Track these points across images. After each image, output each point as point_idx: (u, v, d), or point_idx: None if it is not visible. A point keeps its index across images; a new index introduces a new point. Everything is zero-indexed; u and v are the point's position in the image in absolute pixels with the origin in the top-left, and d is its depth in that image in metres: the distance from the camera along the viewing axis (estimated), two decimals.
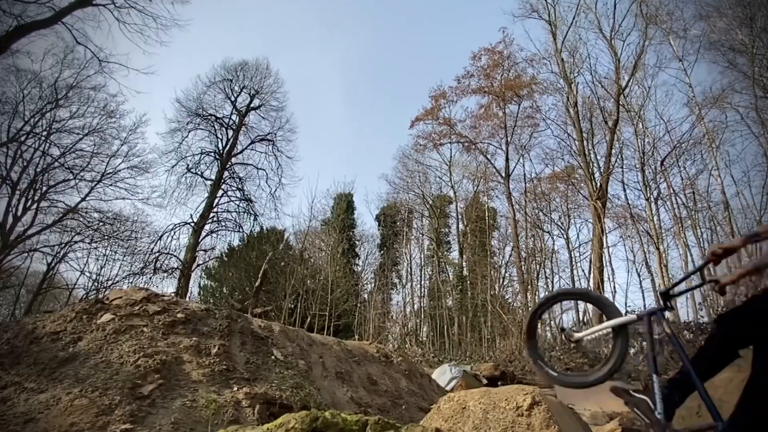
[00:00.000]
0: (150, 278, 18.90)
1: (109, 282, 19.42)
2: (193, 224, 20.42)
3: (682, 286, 2.35)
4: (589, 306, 17.60)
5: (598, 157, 19.10)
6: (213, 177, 22.05)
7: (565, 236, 21.73)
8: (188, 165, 21.74)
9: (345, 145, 50.15)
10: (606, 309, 2.42)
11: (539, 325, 2.54)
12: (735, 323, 2.09)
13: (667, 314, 2.21)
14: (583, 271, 20.26)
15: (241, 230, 22.35)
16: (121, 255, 20.48)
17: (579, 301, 2.57)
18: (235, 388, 3.15)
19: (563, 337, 2.54)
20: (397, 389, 4.74)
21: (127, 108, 25.24)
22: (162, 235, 20.01)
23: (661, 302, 2.25)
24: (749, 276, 2.38)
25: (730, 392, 2.89)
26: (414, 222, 29.65)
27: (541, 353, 2.53)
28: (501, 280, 24.72)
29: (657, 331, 2.22)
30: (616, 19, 19.03)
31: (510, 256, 24.62)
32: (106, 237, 19.50)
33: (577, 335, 2.51)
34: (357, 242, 29.40)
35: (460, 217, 27.76)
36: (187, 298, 17.04)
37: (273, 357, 3.85)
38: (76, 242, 18.88)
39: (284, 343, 4.15)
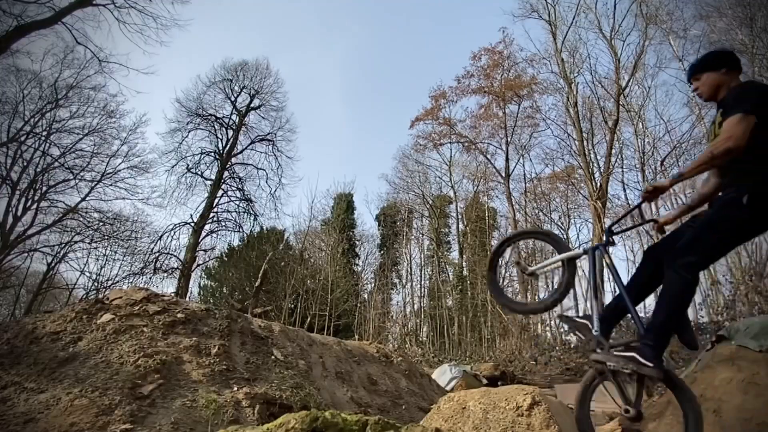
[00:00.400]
0: (150, 278, 18.92)
1: (109, 282, 19.43)
2: (193, 224, 20.42)
3: (627, 223, 2.79)
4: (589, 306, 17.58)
5: (598, 157, 19.12)
6: (213, 177, 22.06)
7: (565, 236, 21.73)
8: (188, 165, 21.76)
9: (345, 145, 50.19)
10: (561, 247, 2.75)
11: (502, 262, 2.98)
12: (657, 254, 2.45)
13: (610, 249, 2.60)
14: (583, 271, 20.24)
15: (241, 230, 22.37)
16: (121, 255, 20.50)
17: (537, 240, 2.95)
18: (235, 388, 3.15)
19: (518, 270, 3.00)
20: (397, 389, 4.74)
21: (127, 108, 25.32)
22: (162, 235, 20.03)
23: (604, 238, 2.62)
24: (683, 215, 2.71)
25: (729, 392, 2.89)
26: (414, 222, 29.66)
27: (499, 286, 2.92)
28: (501, 280, 24.72)
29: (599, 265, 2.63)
30: (616, 19, 19.05)
31: (510, 256, 24.63)
32: (106, 237, 19.51)
33: (531, 269, 2.83)
34: (357, 242, 29.41)
35: (460, 217, 27.78)
36: (187, 298, 17.04)
37: (273, 357, 3.85)
38: (76, 242, 18.89)
39: (284, 343, 4.15)
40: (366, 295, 26.66)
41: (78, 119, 18.99)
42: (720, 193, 2.38)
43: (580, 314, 2.59)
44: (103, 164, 19.38)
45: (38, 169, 18.01)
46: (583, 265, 2.65)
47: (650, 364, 2.01)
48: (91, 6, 14.97)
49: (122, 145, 19.98)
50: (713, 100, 2.41)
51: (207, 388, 3.01)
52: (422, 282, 27.32)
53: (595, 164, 18.96)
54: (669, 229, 2.69)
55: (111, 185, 19.35)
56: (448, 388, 8.31)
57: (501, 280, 2.57)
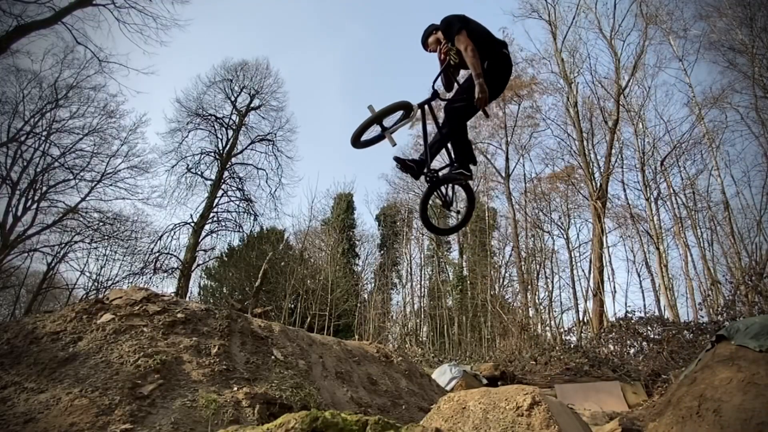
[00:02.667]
0: (150, 278, 18.90)
1: (109, 282, 19.41)
2: (193, 224, 20.40)
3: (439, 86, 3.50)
4: (589, 306, 17.63)
5: (598, 157, 19.13)
6: (213, 177, 22.03)
7: (565, 236, 21.73)
8: (188, 165, 21.73)
9: (345, 145, 50.14)
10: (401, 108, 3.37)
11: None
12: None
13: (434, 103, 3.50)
14: (583, 271, 20.23)
15: (241, 230, 22.32)
16: (121, 255, 20.48)
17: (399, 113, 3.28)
18: (235, 388, 3.15)
19: (388, 140, 3.45)
20: (397, 389, 4.73)
21: (127, 108, 25.34)
22: (162, 235, 19.99)
23: (430, 95, 3.43)
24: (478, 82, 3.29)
25: (729, 392, 2.89)
26: (414, 222, 29.65)
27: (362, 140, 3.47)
28: (501, 280, 24.73)
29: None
30: (616, 19, 19.07)
31: (510, 256, 24.64)
32: (106, 237, 19.49)
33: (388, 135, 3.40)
34: (357, 242, 29.40)
35: None
36: (187, 298, 17.03)
37: (273, 357, 3.85)
38: (76, 242, 18.87)
39: (284, 343, 4.14)
40: (366, 295, 26.66)
41: (78, 119, 18.99)
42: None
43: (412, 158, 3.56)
44: (103, 164, 19.38)
45: (38, 169, 18.01)
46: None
47: (468, 173, 3.42)
48: (91, 6, 14.97)
49: (122, 145, 19.97)
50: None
51: (207, 388, 3.01)
52: (422, 282, 27.33)
53: (595, 164, 18.97)
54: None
55: (111, 185, 19.34)
56: (448, 388, 8.31)
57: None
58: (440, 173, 3.47)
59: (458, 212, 3.78)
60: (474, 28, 3.28)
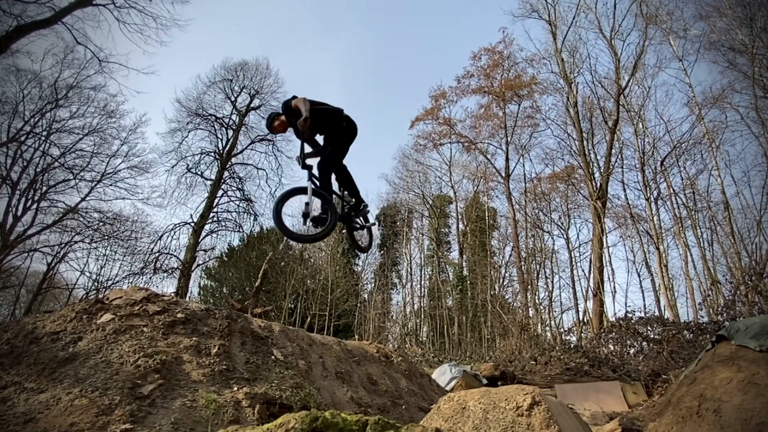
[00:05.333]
0: (150, 278, 18.89)
1: (109, 282, 19.42)
2: (193, 224, 20.39)
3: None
4: (589, 306, 17.63)
5: (598, 157, 19.13)
6: (213, 177, 22.03)
7: (565, 236, 21.73)
8: (188, 165, 21.73)
9: None
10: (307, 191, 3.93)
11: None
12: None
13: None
14: (583, 271, 20.24)
15: (241, 230, 22.32)
16: (121, 255, 20.49)
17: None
18: (235, 388, 3.15)
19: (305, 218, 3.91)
20: (397, 389, 4.73)
21: (127, 108, 25.37)
22: (162, 235, 19.99)
23: (307, 171, 4.07)
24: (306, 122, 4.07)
25: (729, 392, 2.89)
26: (414, 222, 29.67)
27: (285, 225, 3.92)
28: (501, 280, 24.73)
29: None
30: (616, 19, 19.06)
31: (510, 256, 24.64)
32: (106, 237, 19.49)
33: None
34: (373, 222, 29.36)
35: (460, 217, 27.77)
36: (187, 298, 17.03)
37: (273, 357, 3.84)
38: (76, 242, 18.87)
39: (284, 343, 4.14)
40: (366, 295, 26.65)
41: (78, 119, 19.00)
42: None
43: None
44: (103, 164, 19.39)
45: (38, 169, 18.00)
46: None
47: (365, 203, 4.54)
48: (91, 6, 14.96)
49: (122, 145, 19.98)
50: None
51: (207, 388, 3.01)
52: (422, 282, 27.32)
53: (595, 164, 18.97)
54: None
55: (111, 185, 19.35)
56: (448, 388, 8.30)
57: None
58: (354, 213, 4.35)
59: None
60: (312, 102, 4.13)
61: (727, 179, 16.07)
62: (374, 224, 4.74)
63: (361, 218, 4.52)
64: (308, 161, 4.22)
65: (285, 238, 26.18)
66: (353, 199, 4.45)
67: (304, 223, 3.96)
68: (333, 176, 4.34)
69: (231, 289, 22.78)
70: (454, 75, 29.15)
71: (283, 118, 4.18)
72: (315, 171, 4.15)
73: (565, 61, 20.21)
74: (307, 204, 3.83)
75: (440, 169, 28.14)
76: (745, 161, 26.02)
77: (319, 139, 4.45)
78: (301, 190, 3.96)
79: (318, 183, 4.12)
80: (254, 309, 8.21)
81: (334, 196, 4.29)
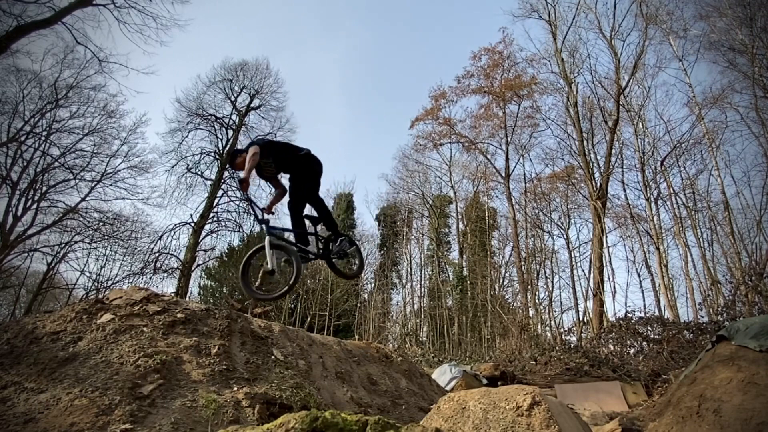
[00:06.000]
0: (150, 278, 18.87)
1: (109, 282, 19.41)
2: (193, 224, 20.38)
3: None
4: (589, 306, 17.63)
5: (598, 157, 19.12)
6: (213, 177, 22.02)
7: (565, 236, 21.73)
8: (188, 165, 21.72)
9: (345, 145, 50.24)
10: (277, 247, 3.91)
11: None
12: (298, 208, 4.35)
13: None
14: (583, 271, 20.24)
15: (241, 230, 22.30)
16: (121, 255, 20.47)
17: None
18: (235, 388, 3.15)
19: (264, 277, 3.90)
20: (397, 389, 4.73)
21: (127, 108, 25.37)
22: (162, 235, 19.97)
23: (264, 226, 4.02)
24: (277, 201, 4.53)
25: (729, 392, 2.89)
26: (414, 222, 29.67)
27: (250, 281, 3.91)
28: (501, 280, 24.73)
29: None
30: (616, 19, 19.06)
31: (510, 256, 24.64)
32: (106, 237, 19.47)
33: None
34: (357, 242, 29.38)
35: (460, 217, 27.77)
36: (187, 298, 17.02)
37: (273, 357, 3.85)
38: (76, 242, 18.86)
39: (284, 343, 4.14)
40: (366, 295, 26.65)
41: (78, 119, 18.98)
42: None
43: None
44: (103, 164, 19.37)
45: (38, 169, 17.99)
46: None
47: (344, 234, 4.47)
48: (91, 6, 14.96)
49: (122, 145, 19.96)
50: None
51: (207, 388, 3.01)
52: (422, 282, 27.32)
53: (595, 164, 18.97)
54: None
55: (111, 185, 19.33)
56: (448, 388, 8.30)
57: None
58: (332, 248, 4.43)
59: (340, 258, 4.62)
60: (272, 144, 4.38)
61: (727, 179, 16.09)
62: (353, 249, 4.66)
63: (340, 250, 4.50)
64: (265, 215, 4.25)
65: None
66: (330, 233, 4.51)
67: (269, 281, 3.96)
68: (311, 212, 4.46)
69: (231, 289, 22.76)
70: (454, 75, 29.21)
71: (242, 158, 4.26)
72: (275, 223, 4.21)
73: (565, 61, 20.22)
74: (268, 262, 3.79)
75: (440, 169, 28.16)
76: (745, 161, 26.06)
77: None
78: (261, 248, 3.94)
79: (276, 235, 4.10)
80: (254, 309, 8.21)
81: (309, 236, 4.37)
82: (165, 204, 22.01)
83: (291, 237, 4.24)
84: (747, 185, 16.03)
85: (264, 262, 3.78)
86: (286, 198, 4.42)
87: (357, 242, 4.91)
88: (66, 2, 14.38)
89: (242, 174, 3.94)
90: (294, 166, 4.34)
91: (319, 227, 4.63)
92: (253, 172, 4.05)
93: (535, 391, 2.37)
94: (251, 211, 4.16)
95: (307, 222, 4.36)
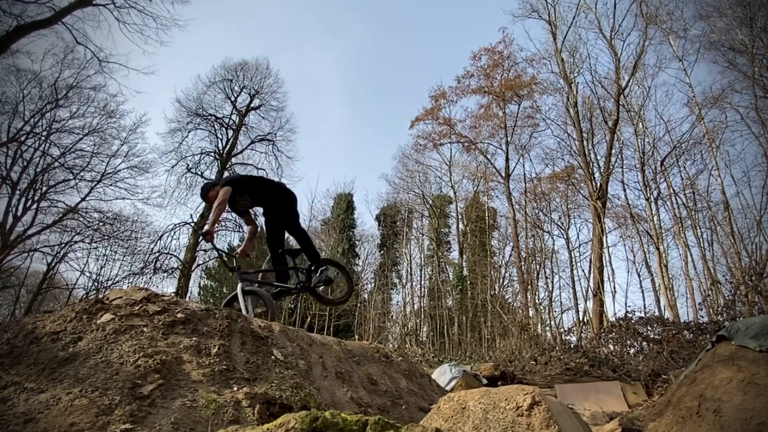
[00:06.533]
0: (150, 278, 18.89)
1: (109, 282, 19.42)
2: (193, 224, 20.38)
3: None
4: (589, 306, 17.63)
5: (598, 157, 19.12)
6: (213, 177, 22.02)
7: (565, 236, 21.73)
8: (188, 165, 21.72)
9: (345, 145, 50.24)
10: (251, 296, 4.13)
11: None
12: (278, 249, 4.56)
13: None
14: (583, 271, 20.24)
15: (241, 230, 22.28)
16: (121, 255, 20.48)
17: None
18: (235, 388, 3.15)
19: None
20: (397, 389, 4.73)
21: (127, 108, 25.34)
22: (162, 235, 19.96)
23: (237, 275, 4.21)
24: (250, 242, 4.76)
25: (729, 392, 2.89)
26: (414, 222, 29.65)
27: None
28: (501, 280, 24.72)
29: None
30: (616, 19, 19.06)
31: (510, 256, 24.64)
32: (106, 237, 19.48)
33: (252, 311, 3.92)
34: (357, 242, 29.38)
35: (460, 217, 27.76)
36: (187, 298, 17.02)
37: (273, 357, 3.85)
38: (76, 242, 18.86)
39: (284, 343, 4.14)
40: (366, 295, 26.64)
41: (78, 119, 18.98)
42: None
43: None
44: (103, 164, 19.38)
45: (38, 169, 17.99)
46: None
47: (323, 266, 4.51)
48: (91, 6, 14.96)
49: (122, 145, 19.97)
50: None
51: (207, 388, 3.01)
52: (422, 282, 27.31)
53: (595, 164, 18.96)
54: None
55: (111, 185, 19.34)
56: (448, 388, 8.30)
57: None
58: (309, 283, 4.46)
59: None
60: (248, 180, 4.50)
61: (727, 179, 16.08)
62: (336, 274, 4.86)
63: (320, 280, 4.51)
64: (235, 263, 4.37)
65: None
66: (309, 263, 4.54)
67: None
68: (294, 242, 4.51)
69: (231, 289, 22.74)
70: (454, 75, 29.16)
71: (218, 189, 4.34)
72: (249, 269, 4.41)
73: (565, 61, 20.22)
74: (242, 309, 3.82)
75: (440, 169, 28.16)
76: (745, 161, 26.03)
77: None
78: (235, 297, 3.99)
79: (249, 280, 4.21)
80: (254, 309, 8.20)
81: (290, 270, 4.45)
82: (165, 204, 22.06)
83: (269, 276, 4.33)
84: (747, 185, 16.03)
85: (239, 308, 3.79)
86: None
87: (343, 264, 5.07)
88: (66, 2, 14.39)
89: (206, 227, 3.98)
90: (270, 201, 4.40)
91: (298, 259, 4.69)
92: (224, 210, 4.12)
93: (535, 391, 2.37)
94: (221, 261, 4.24)
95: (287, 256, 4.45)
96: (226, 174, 22.14)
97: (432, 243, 27.81)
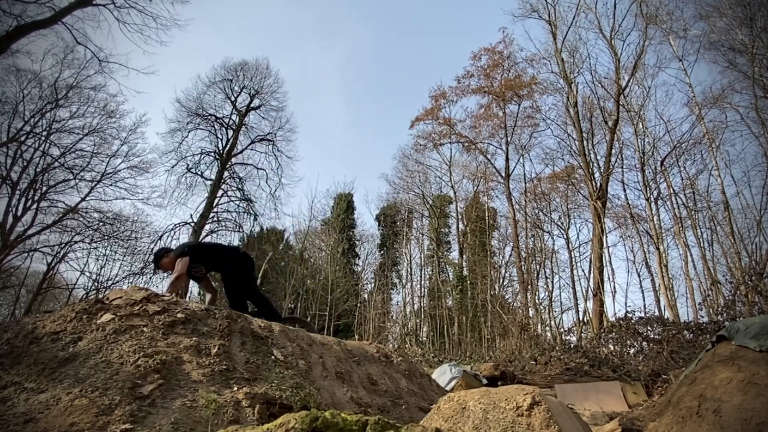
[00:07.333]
0: (150, 278, 18.89)
1: (109, 282, 19.42)
2: (193, 224, 20.38)
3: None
4: (589, 306, 17.63)
5: (598, 157, 19.12)
6: (213, 177, 22.02)
7: (565, 236, 21.73)
8: (188, 165, 21.72)
9: (345, 145, 50.25)
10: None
11: None
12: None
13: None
14: (583, 271, 20.25)
15: (241, 230, 22.30)
16: (121, 255, 20.48)
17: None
18: (235, 388, 3.15)
19: None
20: (397, 389, 4.73)
21: (127, 108, 25.38)
22: (162, 235, 19.98)
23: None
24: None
25: (729, 392, 2.89)
26: (414, 222, 29.66)
27: None
28: (501, 280, 24.73)
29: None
30: (616, 19, 19.05)
31: (510, 256, 24.64)
32: (106, 237, 19.48)
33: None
34: (357, 242, 29.40)
35: (460, 217, 27.76)
36: (187, 298, 17.01)
37: (273, 357, 3.85)
38: (76, 242, 18.86)
39: (284, 343, 4.14)
40: (366, 295, 26.64)
41: (78, 119, 18.97)
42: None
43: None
44: (103, 164, 19.37)
45: (38, 169, 17.98)
46: None
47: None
48: (91, 6, 14.95)
49: (122, 145, 19.96)
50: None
51: (207, 388, 3.01)
52: (422, 282, 27.31)
53: (595, 164, 18.96)
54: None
55: (111, 185, 19.33)
56: (448, 388, 8.29)
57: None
58: None
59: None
60: (201, 247, 4.58)
61: (727, 179, 16.09)
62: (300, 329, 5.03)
63: None
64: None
65: (285, 238, 26.21)
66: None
67: None
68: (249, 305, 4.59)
69: None
70: (454, 75, 29.17)
71: (171, 256, 4.37)
72: None
73: (565, 61, 20.22)
74: None
75: (440, 169, 28.16)
76: (745, 161, 26.07)
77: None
78: None
79: None
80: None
81: None
82: (165, 204, 22.05)
83: None
84: (747, 185, 16.06)
85: None
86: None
87: (306, 321, 5.13)
88: (66, 2, 14.38)
89: (167, 290, 4.02)
90: (226, 267, 4.47)
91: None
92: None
93: (535, 391, 2.37)
94: None
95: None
96: (226, 174, 22.17)
97: (432, 243, 27.82)
